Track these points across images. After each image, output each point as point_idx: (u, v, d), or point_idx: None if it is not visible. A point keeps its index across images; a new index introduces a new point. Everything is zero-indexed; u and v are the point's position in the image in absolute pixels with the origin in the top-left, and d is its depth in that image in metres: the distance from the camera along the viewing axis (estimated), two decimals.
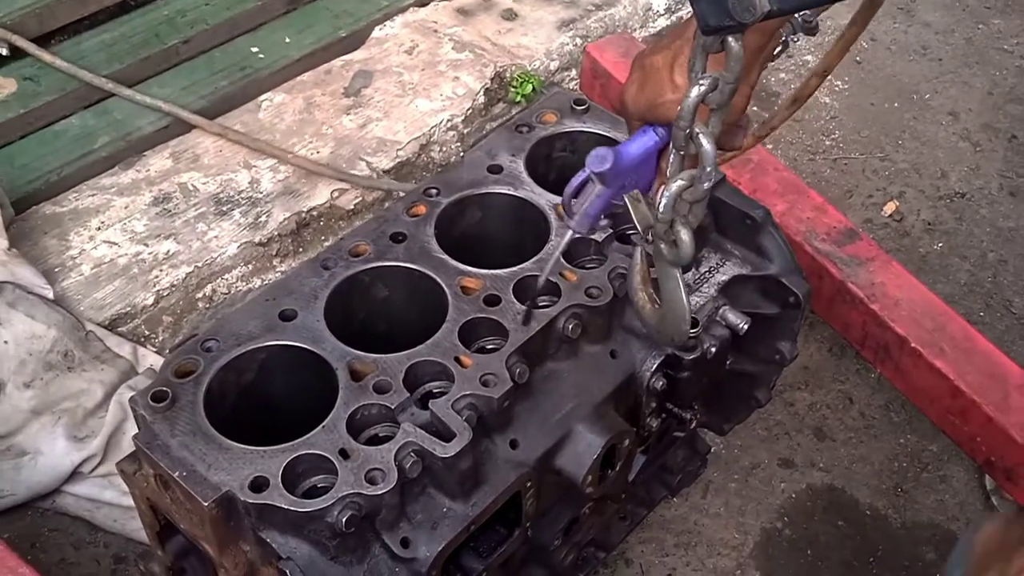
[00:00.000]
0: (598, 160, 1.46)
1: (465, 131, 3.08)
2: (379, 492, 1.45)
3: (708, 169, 1.35)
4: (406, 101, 3.08)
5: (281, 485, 1.45)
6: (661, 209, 1.39)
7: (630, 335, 1.81)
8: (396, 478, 1.46)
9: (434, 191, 1.87)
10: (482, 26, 3.35)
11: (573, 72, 3.33)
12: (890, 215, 3.23)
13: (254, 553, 1.52)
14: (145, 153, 2.88)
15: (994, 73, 3.75)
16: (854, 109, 3.58)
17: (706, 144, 1.33)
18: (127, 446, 2.29)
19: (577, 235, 1.55)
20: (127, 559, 2.33)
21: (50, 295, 2.43)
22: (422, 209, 1.84)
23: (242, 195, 2.78)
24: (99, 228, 2.68)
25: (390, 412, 1.55)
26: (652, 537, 2.45)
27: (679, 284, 1.48)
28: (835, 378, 2.80)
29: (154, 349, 2.53)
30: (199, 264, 2.62)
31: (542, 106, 2.04)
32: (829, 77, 1.86)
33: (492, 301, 1.69)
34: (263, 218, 2.73)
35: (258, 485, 1.45)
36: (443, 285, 1.72)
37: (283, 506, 1.43)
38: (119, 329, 2.51)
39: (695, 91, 1.30)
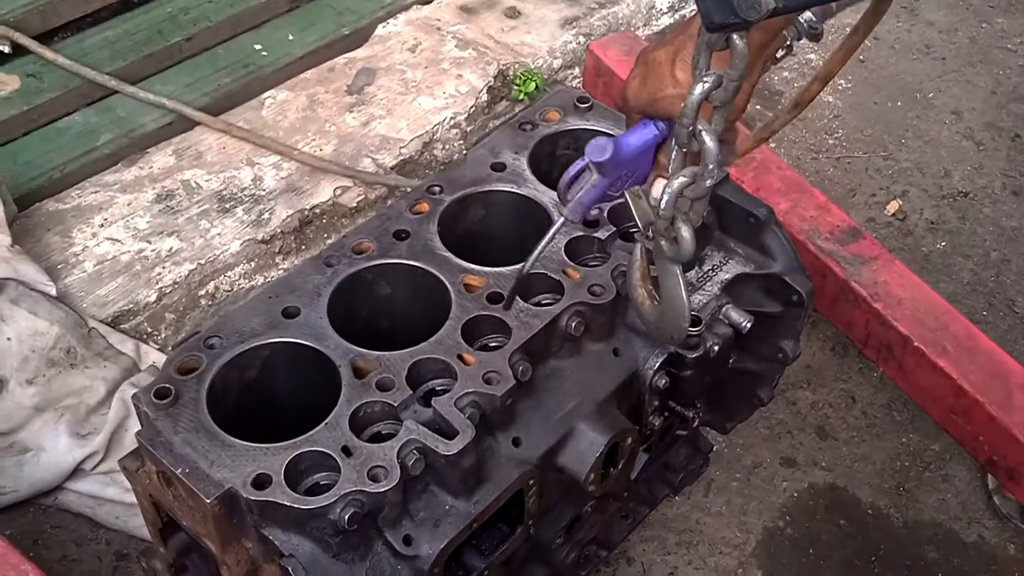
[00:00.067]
0: (598, 150, 1.46)
1: (468, 129, 3.08)
2: (382, 489, 1.45)
3: (711, 166, 1.34)
4: (409, 99, 3.08)
5: (284, 482, 1.45)
6: (662, 206, 1.39)
7: (633, 333, 1.81)
8: (399, 476, 1.46)
9: (437, 189, 1.87)
10: (485, 24, 3.35)
11: (576, 70, 3.33)
12: (893, 214, 3.23)
13: (256, 550, 1.52)
14: (148, 150, 2.88)
15: (998, 72, 3.74)
16: (857, 108, 3.57)
17: (709, 141, 1.33)
18: (129, 443, 2.29)
19: (568, 223, 1.55)
20: (129, 556, 2.33)
21: (53, 292, 2.43)
22: (425, 207, 1.84)
23: (245, 192, 2.78)
24: (102, 225, 2.68)
25: (393, 409, 1.55)
26: (654, 536, 2.45)
27: (679, 281, 1.47)
28: (838, 377, 2.79)
29: (157, 346, 2.53)
30: (202, 261, 2.62)
31: (545, 104, 2.04)
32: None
33: (495, 299, 1.69)
34: (266, 215, 2.73)
35: (261, 482, 1.45)
36: (446, 283, 1.72)
37: (286, 503, 1.43)
38: (122, 326, 2.51)
39: (699, 88, 1.29)
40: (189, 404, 1.54)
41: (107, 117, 2.90)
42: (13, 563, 1.96)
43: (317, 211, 2.78)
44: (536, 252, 1.59)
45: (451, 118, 3.04)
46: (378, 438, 1.54)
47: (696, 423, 2.01)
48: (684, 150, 1.38)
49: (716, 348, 1.86)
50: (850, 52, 1.59)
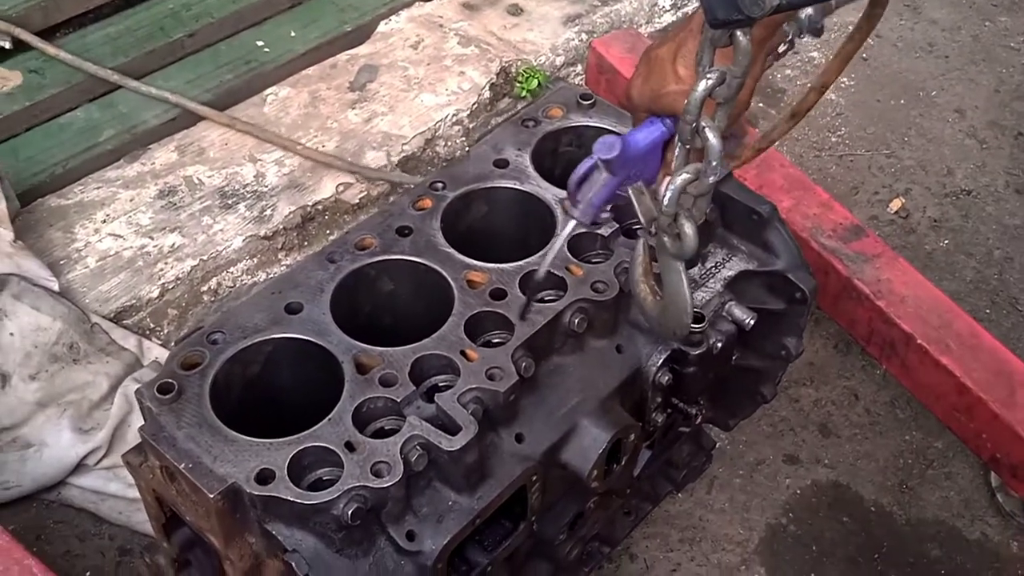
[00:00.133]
0: (606, 147, 1.45)
1: (470, 126, 3.08)
2: (385, 485, 1.45)
3: (714, 163, 1.34)
4: (411, 96, 3.07)
5: (287, 477, 1.45)
6: (665, 202, 1.39)
7: (636, 330, 1.81)
8: (402, 471, 1.46)
9: (440, 185, 1.87)
10: (488, 21, 3.34)
11: (579, 67, 3.33)
12: (896, 212, 3.23)
13: (260, 545, 1.52)
14: (150, 146, 2.88)
15: (1001, 70, 3.74)
16: (860, 106, 3.57)
17: (712, 138, 1.33)
18: (132, 438, 2.29)
19: (581, 224, 1.54)
20: (132, 551, 2.33)
21: (55, 287, 2.43)
22: (428, 203, 1.84)
23: (247, 189, 2.78)
24: (104, 221, 2.68)
25: (396, 405, 1.55)
26: (657, 532, 2.45)
27: (682, 278, 1.47)
28: (840, 374, 2.79)
29: (159, 342, 2.53)
30: (204, 257, 2.62)
31: (548, 101, 2.04)
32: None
33: (498, 295, 1.69)
34: (268, 212, 2.73)
35: (264, 477, 1.45)
36: (449, 279, 1.72)
37: (289, 498, 1.43)
38: (124, 322, 2.51)
39: (702, 85, 1.29)
40: (192, 399, 1.54)
41: (109, 113, 2.91)
42: (16, 558, 1.97)
43: (319, 207, 2.78)
44: (549, 256, 1.60)
45: (453, 115, 3.04)
46: (381, 434, 1.54)
47: (699, 420, 2.01)
48: (687, 147, 1.38)
49: (719, 345, 1.86)
50: (846, 59, 1.59)
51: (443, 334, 1.63)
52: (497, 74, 3.15)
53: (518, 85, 3.19)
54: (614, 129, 1.96)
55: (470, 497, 1.56)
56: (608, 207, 1.53)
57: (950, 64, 3.75)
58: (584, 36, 3.33)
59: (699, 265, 1.93)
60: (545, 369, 1.70)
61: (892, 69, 3.72)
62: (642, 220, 1.47)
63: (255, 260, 2.70)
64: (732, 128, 1.46)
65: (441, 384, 1.60)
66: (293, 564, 1.45)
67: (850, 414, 2.71)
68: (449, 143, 3.03)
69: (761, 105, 3.49)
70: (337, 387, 1.56)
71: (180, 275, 2.59)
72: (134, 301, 2.53)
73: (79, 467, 2.34)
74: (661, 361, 1.81)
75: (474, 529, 1.58)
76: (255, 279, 2.70)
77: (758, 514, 2.51)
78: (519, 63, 3.20)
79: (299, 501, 1.43)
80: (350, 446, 1.49)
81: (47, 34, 3.03)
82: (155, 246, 2.63)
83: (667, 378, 1.82)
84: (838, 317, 2.79)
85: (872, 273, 2.65)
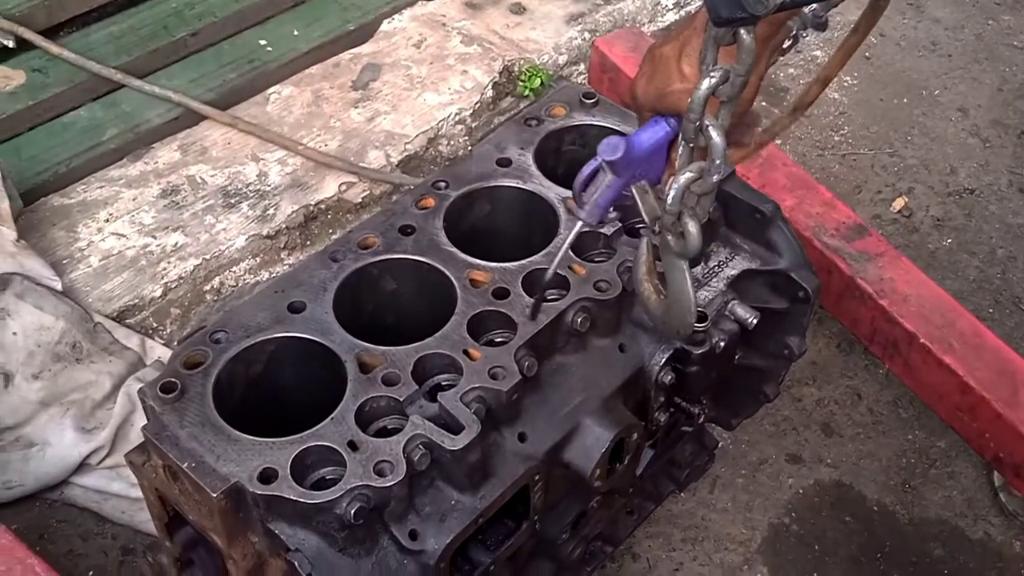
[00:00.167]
0: (610, 148, 1.45)
1: (473, 125, 3.08)
2: (388, 484, 1.45)
3: (717, 162, 1.34)
4: (414, 95, 3.07)
5: (290, 476, 1.45)
6: (669, 201, 1.39)
7: (639, 329, 1.81)
8: (404, 470, 1.46)
9: (443, 184, 1.87)
10: (490, 20, 3.34)
11: (582, 66, 3.33)
12: (899, 211, 3.22)
13: (262, 544, 1.52)
14: (153, 145, 2.88)
15: (1004, 69, 3.73)
16: (863, 105, 3.56)
17: (716, 136, 1.33)
18: (135, 438, 2.29)
19: (587, 226, 1.55)
20: (135, 550, 2.33)
21: (58, 287, 2.43)
22: (431, 202, 1.84)
23: (250, 188, 2.78)
24: (107, 220, 2.68)
25: (399, 404, 1.55)
26: (659, 532, 2.45)
27: (686, 276, 1.47)
28: (843, 374, 2.79)
29: (162, 341, 2.53)
30: (207, 256, 2.62)
31: (551, 99, 2.04)
32: (839, 71, 1.85)
33: (501, 294, 1.69)
34: (271, 211, 2.73)
35: (267, 476, 1.45)
36: (452, 278, 1.72)
37: (292, 497, 1.43)
38: (127, 321, 2.52)
39: (706, 83, 1.29)
40: (195, 398, 1.54)
41: (112, 112, 2.91)
42: (19, 557, 1.97)
43: (322, 207, 2.78)
44: (557, 258, 1.60)
45: (456, 114, 3.04)
46: (384, 433, 1.54)
47: (702, 419, 2.01)
48: (691, 145, 1.38)
49: (722, 344, 1.86)
50: (849, 53, 1.59)
51: (446, 333, 1.63)
52: (500, 73, 3.15)
53: (521, 84, 3.18)
54: (617, 128, 1.96)
55: (473, 496, 1.56)
56: (613, 207, 1.53)
57: (953, 63, 3.75)
58: (587, 35, 3.33)
59: (702, 264, 1.92)
60: (548, 368, 1.70)
61: (895, 68, 3.71)
62: (646, 219, 1.47)
63: (258, 259, 2.70)
64: (744, 116, 1.46)
65: (444, 383, 1.60)
66: (296, 563, 1.45)
67: (853, 413, 2.71)
68: (452, 142, 3.03)
69: (764, 104, 3.48)
70: (340, 386, 1.56)
71: (183, 274, 2.59)
72: (137, 300, 2.53)
73: (82, 466, 2.34)
74: (664, 360, 1.80)
75: (477, 528, 1.58)
76: (258, 278, 2.70)
77: (761, 513, 2.51)
78: (522, 62, 3.20)
79: (302, 500, 1.43)
80: (353, 445, 1.49)
81: (50, 33, 3.03)
82: (158, 245, 2.63)
83: (670, 377, 1.82)
84: (841, 316, 2.79)
85: (875, 272, 2.65)
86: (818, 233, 2.71)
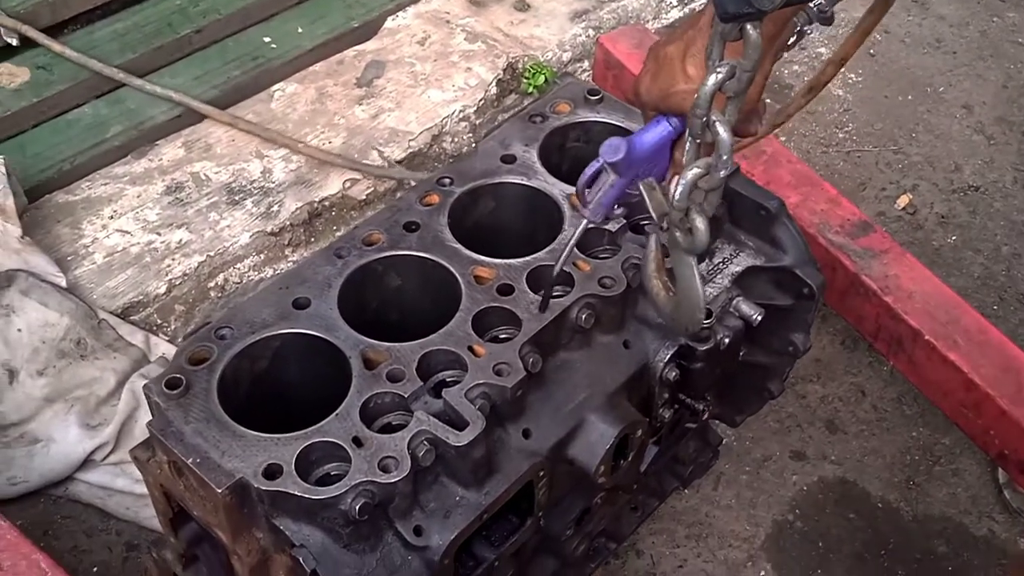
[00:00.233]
0: (611, 150, 1.46)
1: (477, 122, 3.08)
2: (392, 480, 1.45)
3: (724, 157, 1.34)
4: (418, 92, 3.07)
5: (295, 472, 1.45)
6: (677, 197, 1.39)
7: (643, 325, 1.81)
8: (409, 466, 1.46)
9: (447, 180, 1.87)
10: (494, 17, 3.34)
11: (586, 63, 3.33)
12: (903, 208, 3.22)
13: (267, 540, 1.52)
14: (157, 142, 2.88)
15: (1008, 66, 3.73)
16: (868, 102, 3.56)
17: (723, 132, 1.32)
18: (139, 434, 2.30)
19: (591, 224, 1.55)
20: (139, 546, 2.34)
21: (63, 283, 2.43)
22: (435, 198, 1.84)
23: (254, 185, 2.79)
24: (112, 217, 2.68)
25: (403, 401, 1.55)
26: (663, 528, 2.45)
27: (694, 272, 1.47)
28: (847, 371, 2.79)
29: (166, 338, 2.54)
30: (211, 253, 2.62)
31: (556, 96, 2.04)
32: (843, 69, 1.85)
33: (505, 291, 1.69)
34: (275, 208, 2.73)
35: (272, 472, 1.45)
36: (456, 274, 1.71)
37: (296, 493, 1.43)
38: (131, 317, 2.52)
39: (712, 79, 1.29)
40: (200, 394, 1.54)
41: (117, 109, 2.91)
42: (24, 553, 1.97)
43: (326, 203, 2.78)
44: (564, 254, 1.60)
45: (460, 111, 3.04)
46: (388, 429, 1.54)
47: (706, 416, 2.01)
48: (698, 141, 1.38)
49: (726, 341, 1.85)
50: (866, 33, 1.58)
51: (450, 330, 1.63)
52: (504, 70, 3.15)
53: (525, 81, 3.18)
54: (622, 125, 1.96)
55: (477, 492, 1.56)
56: (619, 204, 1.53)
57: (958, 60, 3.74)
58: (591, 32, 3.33)
59: (706, 261, 1.92)
60: (552, 365, 1.69)
61: (899, 65, 3.71)
62: (653, 216, 1.47)
63: (262, 256, 2.70)
64: (752, 108, 1.46)
65: (448, 379, 1.60)
66: (300, 559, 1.45)
67: (857, 410, 2.71)
68: (456, 139, 3.03)
69: (768, 100, 3.47)
70: (345, 382, 1.56)
71: (187, 271, 2.59)
72: (141, 297, 2.54)
73: (86, 463, 2.35)
74: (668, 357, 1.80)
75: (481, 524, 1.58)
76: (262, 275, 2.70)
77: (764, 510, 2.51)
78: (526, 59, 3.20)
79: (307, 496, 1.43)
80: (358, 441, 1.49)
81: (54, 31, 3.04)
82: (162, 242, 2.64)
83: (674, 374, 1.82)
84: (845, 313, 2.78)
85: (879, 269, 2.64)
86: (822, 230, 2.71)
